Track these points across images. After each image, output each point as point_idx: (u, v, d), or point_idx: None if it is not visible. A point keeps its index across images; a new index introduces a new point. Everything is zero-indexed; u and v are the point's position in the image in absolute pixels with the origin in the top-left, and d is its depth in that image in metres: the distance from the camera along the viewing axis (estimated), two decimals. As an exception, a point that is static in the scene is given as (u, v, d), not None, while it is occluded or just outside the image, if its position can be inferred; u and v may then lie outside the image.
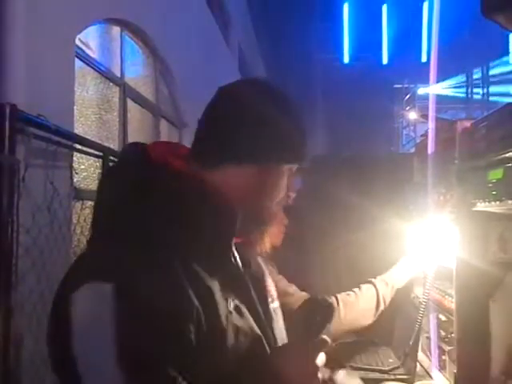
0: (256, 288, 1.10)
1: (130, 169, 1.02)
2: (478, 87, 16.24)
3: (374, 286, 1.90)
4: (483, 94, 16.17)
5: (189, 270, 0.92)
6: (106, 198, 1.02)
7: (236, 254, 1.09)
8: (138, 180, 0.98)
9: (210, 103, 1.09)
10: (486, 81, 16.02)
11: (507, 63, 15.49)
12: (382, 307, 1.88)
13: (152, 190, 0.97)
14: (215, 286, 0.96)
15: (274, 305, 1.18)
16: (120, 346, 0.81)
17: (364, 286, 1.91)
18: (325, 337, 1.04)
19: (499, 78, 15.53)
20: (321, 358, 1.03)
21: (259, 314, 1.07)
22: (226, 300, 0.97)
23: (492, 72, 15.88)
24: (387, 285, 1.92)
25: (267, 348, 1.04)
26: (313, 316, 1.09)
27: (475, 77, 16.27)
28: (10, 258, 2.07)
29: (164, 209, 0.95)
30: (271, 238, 1.11)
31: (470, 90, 16.36)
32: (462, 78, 16.05)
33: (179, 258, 0.91)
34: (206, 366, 0.90)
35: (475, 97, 16.34)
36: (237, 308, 0.99)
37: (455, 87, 16.22)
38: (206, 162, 1.04)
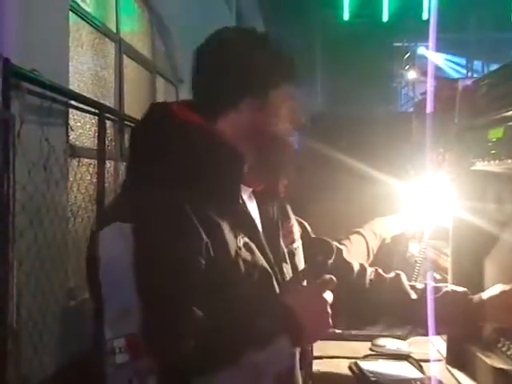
0: (270, 230, 1.17)
1: (160, 127, 1.10)
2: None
3: (364, 238, 1.92)
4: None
5: (200, 213, 1.00)
6: (136, 152, 1.12)
7: (244, 198, 1.14)
8: (167, 138, 1.08)
9: (198, 51, 1.16)
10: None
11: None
12: (371, 257, 1.90)
13: (175, 145, 1.07)
14: (225, 225, 1.03)
15: (294, 245, 1.26)
16: (138, 277, 0.92)
17: (354, 239, 1.92)
18: (330, 276, 1.04)
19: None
20: (329, 296, 1.04)
21: (267, 251, 1.12)
22: (236, 237, 1.05)
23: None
24: (375, 234, 1.94)
25: (276, 284, 1.10)
26: (314, 255, 1.18)
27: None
28: (7, 215, 2.07)
29: (180, 160, 1.05)
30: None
31: (469, 75, 16.04)
32: (461, 61, 15.75)
33: (191, 204, 1.00)
34: (219, 297, 0.98)
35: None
36: (246, 245, 1.07)
37: (455, 69, 15.93)
38: (208, 113, 1.11)
